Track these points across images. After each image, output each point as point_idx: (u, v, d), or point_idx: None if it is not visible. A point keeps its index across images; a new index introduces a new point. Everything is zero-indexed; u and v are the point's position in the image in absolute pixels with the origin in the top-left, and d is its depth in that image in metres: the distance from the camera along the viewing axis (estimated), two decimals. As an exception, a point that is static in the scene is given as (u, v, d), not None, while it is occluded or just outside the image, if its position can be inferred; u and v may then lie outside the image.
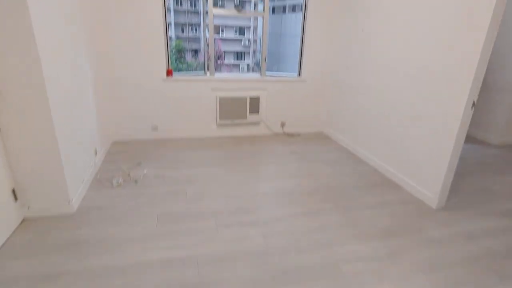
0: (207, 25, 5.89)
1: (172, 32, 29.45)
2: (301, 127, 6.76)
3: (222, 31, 30.41)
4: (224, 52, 27.67)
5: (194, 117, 6.08)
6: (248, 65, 31.89)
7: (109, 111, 5.55)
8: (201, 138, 6.15)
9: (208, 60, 6.02)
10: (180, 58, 11.92)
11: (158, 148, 5.53)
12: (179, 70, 11.26)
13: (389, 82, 4.59)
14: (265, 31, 6.17)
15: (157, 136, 6.00)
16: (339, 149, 5.84)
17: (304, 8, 6.07)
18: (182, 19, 29.45)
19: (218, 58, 13.51)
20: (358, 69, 5.43)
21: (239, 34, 30.80)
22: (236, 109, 6.15)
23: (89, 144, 4.25)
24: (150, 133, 5.96)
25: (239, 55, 31.75)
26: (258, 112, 6.30)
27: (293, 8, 34.36)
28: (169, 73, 5.71)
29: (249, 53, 31.85)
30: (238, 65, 31.05)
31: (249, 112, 6.24)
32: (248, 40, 30.97)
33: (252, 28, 30.92)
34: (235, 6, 5.43)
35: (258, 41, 34.10)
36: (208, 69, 6.08)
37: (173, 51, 11.74)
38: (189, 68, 11.04)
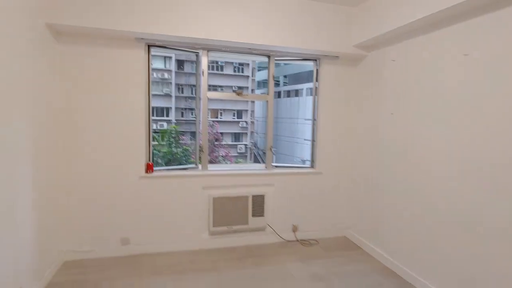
0: (206, 110, 4.80)
1: (172, 116, 29.67)
2: (318, 231, 5.15)
3: (221, 114, 30.75)
4: (222, 133, 27.22)
5: (179, 225, 4.51)
6: (245, 145, 31.48)
7: (61, 220, 4.01)
8: (189, 252, 4.47)
9: (199, 151, 4.74)
10: (177, 142, 10.79)
11: (128, 271, 3.83)
12: (172, 156, 10.05)
13: (435, 179, 3.22)
14: (271, 116, 5.05)
15: (128, 251, 4.33)
16: (374, 267, 4.16)
17: (315, 91, 5.07)
18: (183, 104, 29.99)
19: (216, 141, 12.55)
20: (389, 158, 4.12)
21: (237, 117, 31.11)
22: (235, 212, 4.63)
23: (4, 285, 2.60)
24: (118, 249, 4.30)
25: (237, 136, 31.57)
26: (263, 214, 4.78)
27: (288, 94, 35.75)
28: (149, 168, 4.36)
29: (246, 134, 31.77)
30: (236, 145, 30.58)
31: (252, 215, 4.72)
32: (246, 122, 31.13)
33: (249, 111, 31.41)
34: (233, 91, 4.67)
35: (256, 123, 34.43)
36: (200, 161, 4.77)
37: (168, 136, 10.68)
38: (184, 154, 9.82)
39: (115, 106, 4.10)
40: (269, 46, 4.38)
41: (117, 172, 4.18)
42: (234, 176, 4.70)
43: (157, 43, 4.19)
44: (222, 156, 13.37)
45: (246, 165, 6.00)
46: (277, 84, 38.89)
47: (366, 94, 4.74)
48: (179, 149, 9.59)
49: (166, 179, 4.41)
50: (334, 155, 5.12)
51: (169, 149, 10.90)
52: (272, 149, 5.05)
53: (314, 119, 5.16)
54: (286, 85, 37.23)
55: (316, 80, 5.05)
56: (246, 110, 31.69)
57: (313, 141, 5.17)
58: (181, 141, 11.29)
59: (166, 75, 28.70)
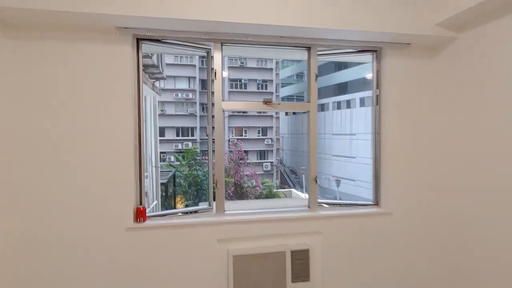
0: (222, 124, 3.35)
1: (197, 136, 28.87)
2: (389, 300, 3.43)
3: (245, 132, 29.57)
4: (247, 151, 25.87)
5: (184, 298, 3.00)
6: (271, 163, 29.91)
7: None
8: None
9: (214, 185, 3.25)
10: (198, 163, 9.44)
11: None
12: (192, 179, 8.69)
13: None
14: (314, 133, 3.49)
15: None
16: None
17: (376, 101, 3.47)
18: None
19: (241, 160, 11.11)
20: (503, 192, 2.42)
21: (262, 134, 29.76)
22: (264, 277, 3.07)
23: None
24: (94, 338, 2.84)
25: (262, 154, 30.12)
26: (308, 278, 3.17)
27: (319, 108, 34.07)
28: (139, 215, 2.93)
29: (272, 151, 30.24)
30: (261, 163, 29.10)
31: (292, 280, 3.13)
32: (271, 139, 29.67)
33: (274, 128, 29.99)
34: (263, 100, 3.37)
35: (281, 140, 32.87)
36: (214, 199, 3.27)
37: (188, 157, 9.36)
38: (206, 178, 8.47)
39: (88, 129, 2.75)
40: (310, 31, 2.91)
41: (91, 224, 2.78)
42: (263, 222, 3.15)
43: (149, 35, 2.86)
44: (247, 175, 11.86)
45: (280, 202, 4.42)
46: (301, 99, 37.46)
47: (458, 100, 3.10)
48: (199, 172, 8.25)
49: (164, 230, 2.94)
50: (409, 188, 3.44)
51: (190, 172, 9.56)
52: (316, 180, 3.46)
53: (376, 133, 3.52)
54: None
55: (377, 80, 3.46)
56: (271, 127, 30.30)
57: (375, 165, 3.51)
58: (203, 161, 10.00)
59: (190, 95, 28.14)
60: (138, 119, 2.99)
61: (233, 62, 28.73)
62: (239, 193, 10.56)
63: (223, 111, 3.27)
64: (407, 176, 3.41)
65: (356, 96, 26.52)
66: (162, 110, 27.20)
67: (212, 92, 3.24)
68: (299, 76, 38.75)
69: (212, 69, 3.19)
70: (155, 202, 6.12)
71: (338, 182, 12.44)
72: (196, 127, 28.73)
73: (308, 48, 3.29)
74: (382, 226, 3.38)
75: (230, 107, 3.32)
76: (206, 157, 11.82)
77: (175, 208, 11.95)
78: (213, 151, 3.27)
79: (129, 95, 2.84)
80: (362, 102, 26.03)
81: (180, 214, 3.14)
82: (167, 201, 9.65)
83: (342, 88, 29.76)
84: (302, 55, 3.40)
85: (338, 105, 28.68)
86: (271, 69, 29.42)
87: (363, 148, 25.67)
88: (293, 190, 14.02)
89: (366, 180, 24.95)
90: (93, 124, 2.75)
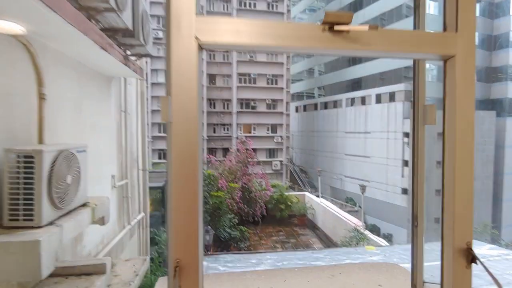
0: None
1: (204, 133, 27.61)
2: None
3: (254, 129, 28.19)
4: (255, 150, 24.42)
5: None
6: (281, 161, 28.48)
7: None
8: None
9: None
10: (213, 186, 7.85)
11: None
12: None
13: None
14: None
15: None
16: None
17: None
18: (215, 119, 27.92)
19: (249, 160, 9.68)
20: None
21: (271, 132, 28.32)
22: None
23: None
24: None
25: (271, 152, 28.71)
26: None
27: (325, 105, 32.41)
28: None
29: (281, 149, 28.80)
30: (270, 162, 27.70)
31: None
32: (281, 137, 28.20)
33: (284, 125, 28.50)
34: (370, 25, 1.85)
35: (291, 137, 31.39)
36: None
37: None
38: (220, 203, 7.02)
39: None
40: None
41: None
42: None
43: None
44: (255, 175, 10.47)
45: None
46: (310, 97, 35.81)
47: None
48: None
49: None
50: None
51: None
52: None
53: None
54: (321, 96, 34.09)
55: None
56: (281, 124, 28.81)
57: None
58: (207, 165, 8.61)
59: (197, 90, 26.59)
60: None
61: (242, 56, 27.31)
62: (247, 198, 9.16)
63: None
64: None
65: (372, 92, 24.84)
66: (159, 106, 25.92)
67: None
68: (309, 72, 37.07)
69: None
70: (141, 215, 4.83)
71: (363, 188, 10.93)
72: (203, 123, 27.45)
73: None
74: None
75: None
76: (212, 157, 10.31)
77: None
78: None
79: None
80: (378, 98, 24.36)
81: None
82: (165, 208, 8.37)
83: (356, 84, 28.05)
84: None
85: (352, 102, 27.05)
86: (282, 63, 27.87)
87: (379, 148, 24.04)
88: (306, 194, 12.61)
89: (380, 181, 23.36)
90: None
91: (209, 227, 5.32)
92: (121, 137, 4.23)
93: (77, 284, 2.28)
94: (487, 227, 14.44)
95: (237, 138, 27.82)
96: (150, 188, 5.84)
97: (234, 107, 27.62)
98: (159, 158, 24.07)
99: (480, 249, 4.42)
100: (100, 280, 2.37)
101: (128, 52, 3.75)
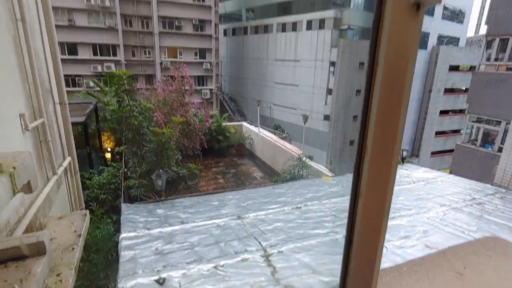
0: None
1: (121, 56, 23.91)
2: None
3: (180, 54, 25.51)
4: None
5: None
6: (211, 90, 27.26)
7: None
8: None
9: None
10: (129, 94, 6.78)
11: None
12: (125, 120, 6.18)
13: None
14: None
15: None
16: None
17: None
18: (133, 41, 24.13)
19: (186, 89, 8.59)
20: None
21: (199, 57, 26.09)
22: None
23: None
24: None
25: (200, 80, 27.01)
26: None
27: (256, 30, 30.69)
28: None
29: (211, 77, 27.27)
30: (200, 91, 26.25)
31: None
32: (210, 63, 26.34)
33: (213, 51, 26.44)
34: None
35: (220, 64, 29.72)
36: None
37: (116, 85, 6.69)
38: (144, 118, 6.06)
39: None
40: None
41: None
42: None
43: None
44: (193, 104, 9.62)
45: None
46: (238, 19, 33.34)
47: None
48: (135, 111, 5.73)
49: None
50: None
51: (121, 108, 6.89)
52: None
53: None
54: (249, 20, 31.99)
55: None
56: (210, 49, 26.53)
57: None
58: (136, 90, 7.34)
59: (108, 3, 21.86)
60: None
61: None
62: (185, 131, 8.46)
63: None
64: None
65: (303, 18, 24.11)
66: (69, 20, 21.03)
67: None
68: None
69: None
70: (68, 159, 3.86)
71: (306, 118, 11.12)
72: (119, 45, 23.49)
73: None
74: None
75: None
76: (141, 85, 8.83)
77: (102, 153, 9.24)
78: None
79: None
80: (309, 25, 23.92)
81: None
82: (90, 146, 7.09)
83: (287, 7, 26.74)
84: None
85: (283, 27, 26.09)
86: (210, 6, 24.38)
87: (307, 76, 24.62)
88: (244, 123, 12.43)
89: (306, 108, 24.63)
90: None
91: (161, 170, 4.67)
92: (21, 59, 2.98)
93: (5, 277, 1.58)
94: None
95: (161, 63, 24.98)
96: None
97: (156, 26, 24.06)
98: (68, 85, 20.35)
99: (418, 172, 4.95)
100: (39, 264, 1.69)
101: None
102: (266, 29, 28.14)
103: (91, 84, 18.65)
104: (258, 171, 9.98)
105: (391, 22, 0.67)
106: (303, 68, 24.17)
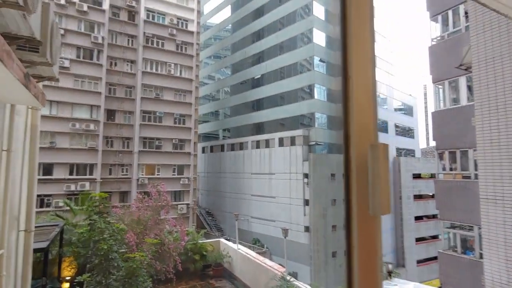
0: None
1: (97, 174, 23.92)
2: None
3: (158, 171, 26.06)
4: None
5: None
6: (187, 204, 26.77)
7: None
8: None
9: None
10: (103, 218, 6.51)
11: None
12: (93, 245, 5.69)
13: None
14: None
15: None
16: None
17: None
18: (112, 159, 24.70)
19: (162, 208, 8.41)
20: None
21: (178, 173, 26.68)
22: None
23: None
24: None
25: (177, 195, 26.79)
26: None
27: (232, 147, 32.96)
28: None
29: (188, 191, 27.23)
30: (176, 206, 25.65)
31: None
32: (188, 179, 26.78)
33: (191, 166, 27.36)
34: None
35: (198, 179, 30.26)
36: None
37: (88, 207, 6.50)
38: (115, 242, 5.67)
39: None
40: None
41: None
42: None
43: None
44: (168, 222, 9.31)
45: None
46: (215, 137, 36.12)
47: None
48: (106, 233, 5.34)
49: None
50: None
51: (90, 232, 6.51)
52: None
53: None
54: (226, 138, 34.72)
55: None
56: (189, 165, 27.53)
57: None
58: (109, 216, 6.98)
59: (91, 126, 23.39)
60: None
61: (147, 93, 25.85)
62: (159, 252, 7.88)
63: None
64: None
65: (275, 136, 26.67)
66: (51, 143, 21.71)
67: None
68: (215, 114, 37.73)
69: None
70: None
71: (285, 232, 10.87)
72: (96, 164, 23.83)
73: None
74: None
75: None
76: (115, 210, 8.29)
77: (59, 284, 7.95)
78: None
79: None
80: (281, 142, 26.25)
81: None
82: (47, 276, 6.18)
83: (260, 127, 29.73)
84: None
85: (257, 144, 28.30)
86: (190, 103, 27.55)
87: (283, 188, 25.33)
88: (222, 240, 11.85)
89: (285, 220, 24.28)
90: None
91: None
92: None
93: None
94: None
95: (137, 180, 25.07)
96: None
97: (136, 146, 25.23)
98: (36, 206, 19.31)
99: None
100: None
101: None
102: (242, 146, 30.36)
103: (61, 203, 17.88)
104: (238, 295, 8.96)
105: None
106: (279, 180, 25.10)
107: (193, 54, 27.98)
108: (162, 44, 26.64)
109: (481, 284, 5.17)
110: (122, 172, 25.12)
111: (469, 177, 11.01)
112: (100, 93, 23.98)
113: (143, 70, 25.71)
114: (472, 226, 10.73)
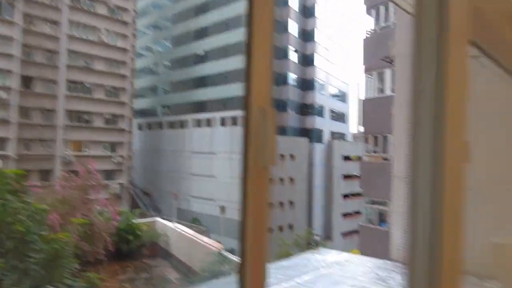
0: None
1: (11, 151, 20.98)
2: None
3: (87, 147, 23.91)
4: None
5: None
6: (121, 184, 25.33)
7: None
8: None
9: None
10: (18, 197, 5.74)
11: None
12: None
13: None
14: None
15: None
16: None
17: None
18: (30, 133, 21.85)
19: (92, 186, 7.84)
20: None
21: (110, 151, 24.83)
22: None
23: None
24: None
25: (109, 174, 25.09)
26: None
27: (171, 125, 31.71)
28: None
29: (121, 170, 25.69)
30: (107, 185, 24.06)
31: None
32: (122, 157, 25.17)
33: (126, 143, 25.70)
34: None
35: (133, 157, 28.68)
36: None
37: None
38: (32, 222, 5.11)
39: None
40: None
41: None
42: None
43: None
44: (97, 201, 8.79)
45: None
46: (154, 114, 34.35)
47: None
48: (22, 214, 4.79)
49: None
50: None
51: (2, 213, 5.73)
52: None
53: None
54: (165, 115, 33.24)
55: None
56: (122, 143, 25.73)
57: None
58: (26, 195, 6.26)
59: (2, 94, 19.98)
60: None
61: (74, 60, 23.12)
62: (87, 233, 7.45)
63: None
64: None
65: (217, 115, 26.37)
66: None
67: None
68: (153, 89, 35.49)
69: None
70: None
71: (222, 209, 11.03)
72: (9, 138, 20.77)
73: None
74: None
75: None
76: (36, 185, 7.50)
77: None
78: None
79: None
80: (223, 121, 26.11)
81: None
82: None
83: (202, 106, 29.06)
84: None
85: (198, 123, 27.71)
86: (125, 76, 25.50)
87: (224, 167, 25.47)
88: (158, 219, 11.61)
89: (225, 199, 24.67)
90: None
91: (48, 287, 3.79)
92: None
93: None
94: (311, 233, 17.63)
95: (62, 157, 22.65)
96: None
97: (61, 119, 22.68)
98: None
99: (331, 255, 5.20)
100: None
101: None
102: (182, 124, 29.45)
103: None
104: (174, 272, 9.01)
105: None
106: (220, 160, 25.18)
107: (128, 21, 25.66)
108: (93, 6, 23.84)
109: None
110: (43, 148, 22.46)
111: (388, 159, 12.49)
112: (12, 55, 20.67)
113: (68, 33, 22.78)
114: (386, 202, 12.35)
